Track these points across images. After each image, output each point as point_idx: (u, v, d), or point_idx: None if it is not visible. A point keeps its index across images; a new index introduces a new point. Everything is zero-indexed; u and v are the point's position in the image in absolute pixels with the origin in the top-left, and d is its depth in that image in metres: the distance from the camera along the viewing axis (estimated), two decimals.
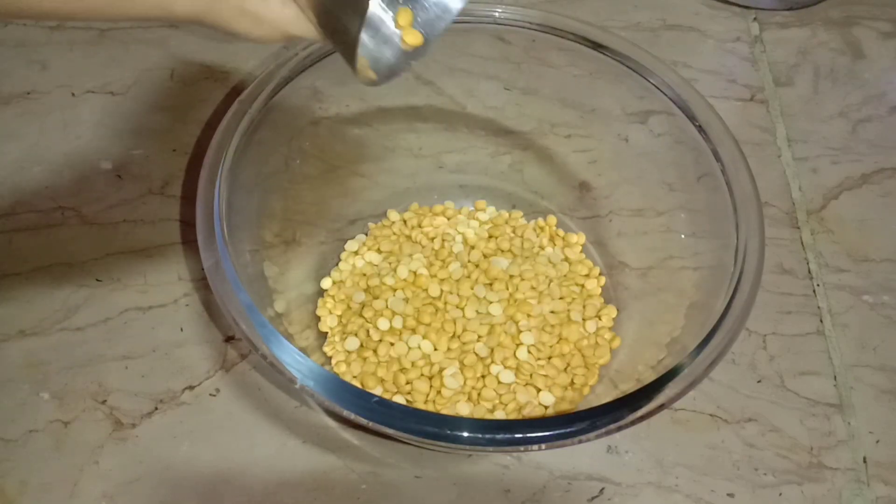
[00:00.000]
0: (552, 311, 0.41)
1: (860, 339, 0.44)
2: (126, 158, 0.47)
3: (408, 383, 0.38)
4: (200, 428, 0.39)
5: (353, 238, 0.45)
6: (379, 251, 0.43)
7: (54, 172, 0.46)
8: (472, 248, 0.43)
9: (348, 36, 0.26)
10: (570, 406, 0.39)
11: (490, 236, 0.44)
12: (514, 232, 0.45)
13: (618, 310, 0.42)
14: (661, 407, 0.31)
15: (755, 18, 0.58)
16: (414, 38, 0.27)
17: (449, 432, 0.29)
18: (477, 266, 0.42)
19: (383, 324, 0.40)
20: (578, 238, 0.45)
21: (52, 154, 0.47)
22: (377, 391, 0.38)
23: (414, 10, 0.28)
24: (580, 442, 0.30)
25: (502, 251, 0.44)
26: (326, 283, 0.43)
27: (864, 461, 0.40)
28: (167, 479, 0.37)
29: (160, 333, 0.41)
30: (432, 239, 0.44)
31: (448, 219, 0.45)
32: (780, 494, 0.39)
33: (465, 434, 0.29)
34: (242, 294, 0.32)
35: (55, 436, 0.38)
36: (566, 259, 0.44)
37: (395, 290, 0.41)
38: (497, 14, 0.42)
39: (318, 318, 0.41)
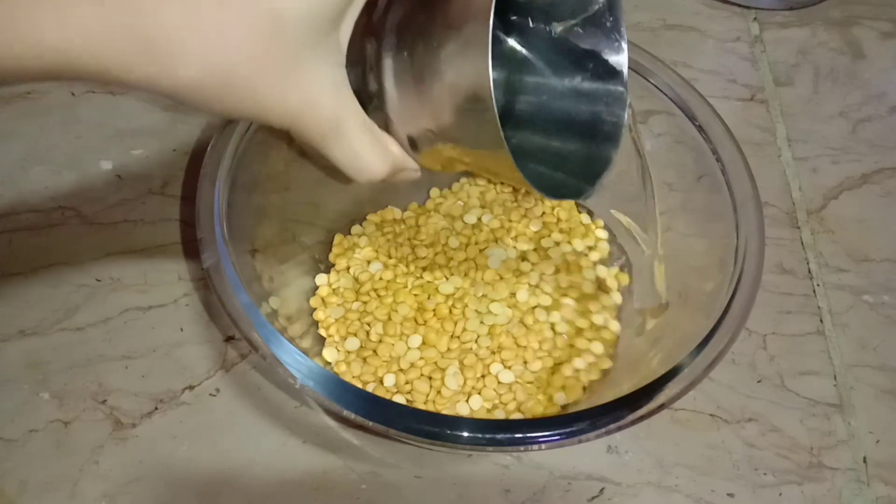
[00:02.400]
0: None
1: (860, 339, 0.44)
2: (126, 158, 0.47)
3: (407, 383, 0.38)
4: (200, 428, 0.39)
5: (352, 236, 0.44)
6: (377, 250, 0.43)
7: (54, 172, 0.46)
8: (470, 243, 0.43)
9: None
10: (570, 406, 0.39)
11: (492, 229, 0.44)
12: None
13: None
14: (661, 407, 0.31)
15: (755, 18, 0.58)
16: None
17: (449, 432, 0.29)
18: (475, 264, 0.42)
19: (381, 325, 0.40)
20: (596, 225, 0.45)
21: (52, 154, 0.47)
22: (378, 392, 0.38)
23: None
24: (580, 442, 0.30)
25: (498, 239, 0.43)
26: (322, 280, 0.43)
27: (864, 461, 0.40)
28: (167, 479, 0.37)
29: (160, 333, 0.41)
30: (431, 244, 0.43)
31: (443, 216, 0.45)
32: (780, 494, 0.39)
33: (465, 434, 0.29)
34: (242, 294, 0.32)
35: (55, 436, 0.38)
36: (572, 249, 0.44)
37: (394, 290, 0.41)
38: None
39: (316, 319, 0.41)
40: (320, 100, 0.24)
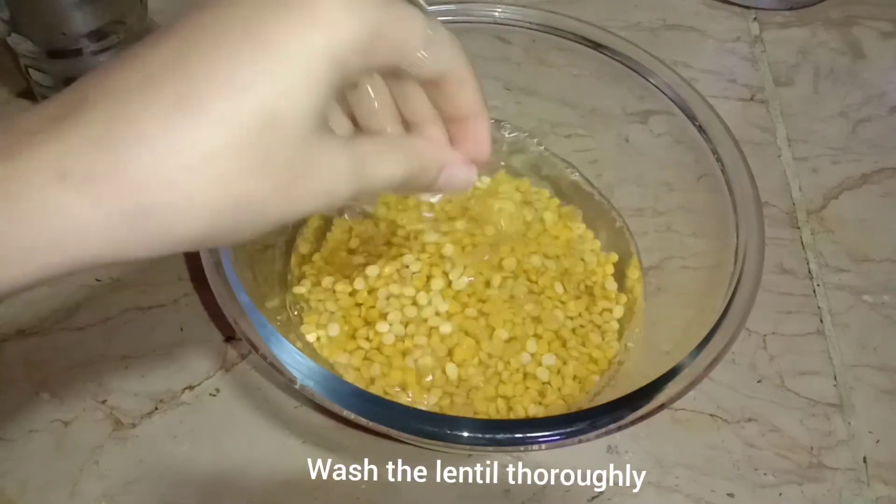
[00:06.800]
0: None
1: (860, 339, 0.44)
2: None
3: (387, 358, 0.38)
4: (200, 428, 0.39)
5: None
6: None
7: None
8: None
9: None
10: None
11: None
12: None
13: None
14: (661, 407, 0.31)
15: (755, 18, 0.58)
16: None
17: (449, 432, 0.29)
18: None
19: (382, 326, 0.39)
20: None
21: None
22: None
23: None
24: (580, 442, 0.30)
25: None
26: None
27: (864, 461, 0.40)
28: (167, 479, 0.37)
29: (160, 333, 0.41)
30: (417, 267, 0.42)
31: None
32: (780, 494, 0.39)
33: (465, 434, 0.29)
34: (242, 294, 0.32)
35: (55, 436, 0.38)
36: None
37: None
38: (497, 14, 0.42)
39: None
40: (338, 188, 0.21)
